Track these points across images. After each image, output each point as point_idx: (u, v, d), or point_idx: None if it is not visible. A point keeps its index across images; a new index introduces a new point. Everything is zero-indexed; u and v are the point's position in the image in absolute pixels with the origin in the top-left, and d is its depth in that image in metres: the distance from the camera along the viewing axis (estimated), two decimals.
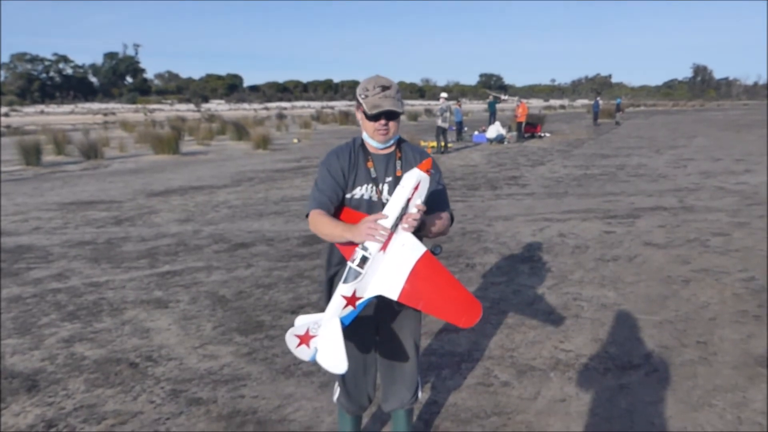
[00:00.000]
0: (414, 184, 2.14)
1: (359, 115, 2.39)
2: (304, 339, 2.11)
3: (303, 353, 2.12)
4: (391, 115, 2.32)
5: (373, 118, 2.31)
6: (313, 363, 2.15)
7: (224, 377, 3.76)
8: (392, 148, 2.46)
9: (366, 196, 2.39)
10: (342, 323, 2.11)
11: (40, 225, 8.48)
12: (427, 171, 2.18)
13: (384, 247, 2.13)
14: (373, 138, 2.38)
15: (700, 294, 5.18)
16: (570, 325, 4.54)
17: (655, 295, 5.18)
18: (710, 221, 8.06)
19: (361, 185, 2.40)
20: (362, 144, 2.46)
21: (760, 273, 5.70)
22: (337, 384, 2.72)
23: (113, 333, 4.50)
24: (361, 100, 2.33)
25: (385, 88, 2.30)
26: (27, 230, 8.13)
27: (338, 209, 2.41)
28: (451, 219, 2.49)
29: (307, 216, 2.39)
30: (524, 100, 26.87)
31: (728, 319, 4.61)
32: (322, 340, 2.10)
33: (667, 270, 5.88)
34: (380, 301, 2.31)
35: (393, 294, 2.12)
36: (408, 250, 2.14)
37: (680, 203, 9.47)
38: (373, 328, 2.56)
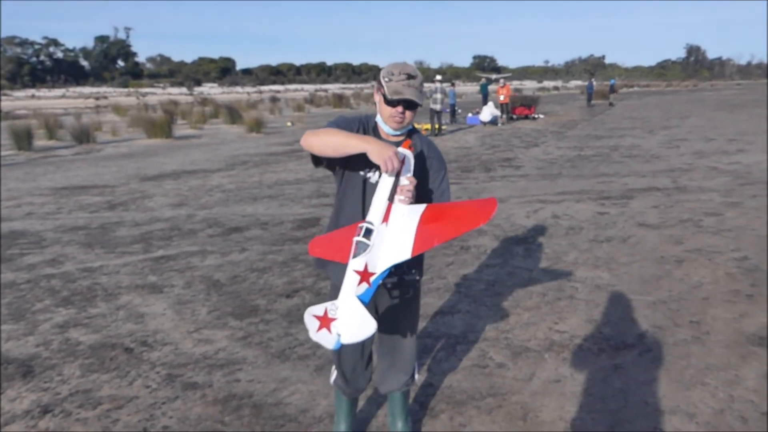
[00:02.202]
0: (400, 159, 2.16)
1: (378, 98, 2.35)
2: (324, 322, 2.05)
3: (326, 339, 2.04)
4: (410, 105, 2.29)
5: (392, 103, 2.27)
6: (339, 349, 2.09)
7: (219, 361, 3.77)
8: (403, 137, 2.43)
9: (373, 180, 2.37)
10: (361, 302, 2.05)
11: (32, 210, 8.44)
12: (408, 147, 2.22)
13: (385, 219, 2.13)
14: (387, 123, 2.35)
15: (693, 274, 5.21)
16: (564, 307, 4.56)
17: (648, 275, 5.20)
18: (703, 201, 8.08)
19: (370, 167, 2.37)
20: (375, 127, 2.44)
21: (752, 252, 5.72)
22: (334, 367, 2.73)
23: (108, 318, 4.50)
24: (383, 83, 2.28)
25: (410, 77, 2.25)
26: (20, 216, 8.08)
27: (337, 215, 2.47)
28: None
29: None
30: (508, 82, 26.72)
31: (721, 299, 4.64)
32: (343, 320, 2.04)
33: (660, 250, 5.90)
34: (380, 284, 2.31)
35: (405, 255, 2.08)
36: (409, 215, 2.13)
37: (673, 183, 9.49)
38: (372, 310, 2.57)
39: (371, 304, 2.51)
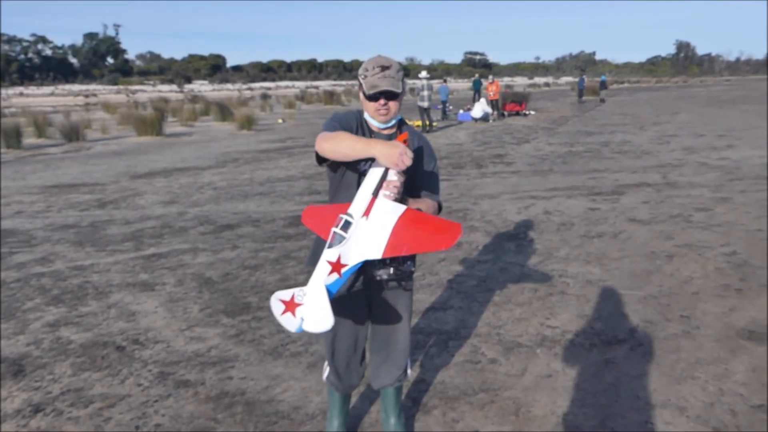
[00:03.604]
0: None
1: (361, 97, 2.38)
2: (290, 306, 2.07)
3: (289, 322, 2.07)
4: (390, 96, 2.31)
5: (372, 98, 2.30)
6: (299, 333, 2.13)
7: (212, 359, 3.76)
8: (394, 129, 2.46)
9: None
10: (329, 291, 2.08)
11: (22, 209, 8.38)
12: (404, 142, 2.22)
13: (366, 213, 2.15)
14: (374, 118, 2.38)
15: (684, 269, 5.24)
16: (556, 302, 4.57)
17: (639, 270, 5.23)
18: (693, 197, 8.13)
19: (365, 162, 2.37)
20: (366, 122, 2.45)
21: (741, 247, 5.77)
22: (326, 363, 2.73)
23: (99, 316, 4.48)
24: (361, 81, 2.33)
25: (384, 68, 2.28)
26: (9, 214, 8.03)
27: (334, 197, 2.47)
28: (440, 207, 2.52)
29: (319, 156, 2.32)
30: (497, 78, 26.70)
31: (711, 293, 4.67)
32: (309, 307, 2.06)
33: (651, 245, 5.93)
34: (373, 279, 2.32)
35: (375, 255, 2.11)
36: (389, 213, 2.15)
37: (664, 179, 9.54)
38: (365, 306, 2.57)
39: (364, 298, 2.52)
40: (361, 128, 2.43)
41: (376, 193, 2.17)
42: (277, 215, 7.62)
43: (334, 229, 2.13)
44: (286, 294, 2.09)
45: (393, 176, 2.17)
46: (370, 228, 2.14)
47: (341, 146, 2.19)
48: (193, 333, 4.16)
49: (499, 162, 11.94)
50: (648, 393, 3.27)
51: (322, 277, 2.10)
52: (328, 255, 2.11)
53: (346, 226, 2.12)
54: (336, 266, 2.10)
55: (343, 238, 2.11)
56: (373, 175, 2.18)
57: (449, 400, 3.25)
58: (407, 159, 2.06)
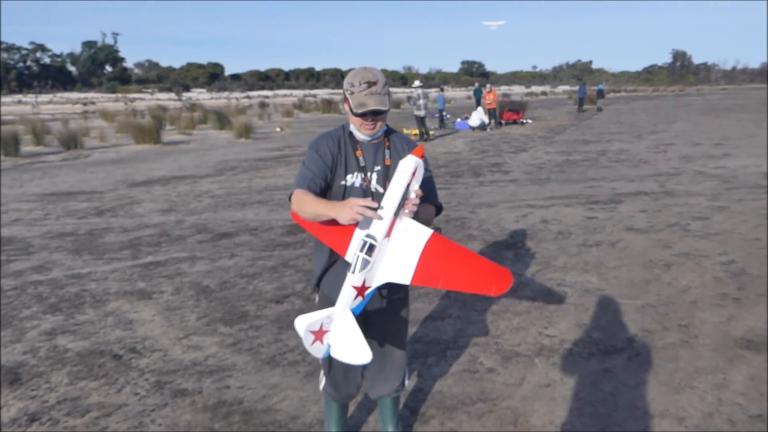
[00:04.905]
0: (412, 169, 2.16)
1: (346, 107, 2.36)
2: (319, 335, 2.06)
3: (317, 350, 2.07)
4: (377, 113, 2.29)
5: (360, 115, 2.28)
6: (326, 359, 2.10)
7: (209, 368, 3.75)
8: (380, 138, 2.45)
9: (357, 184, 2.39)
10: (353, 314, 2.07)
11: (19, 216, 8.37)
12: (421, 156, 2.22)
13: (388, 234, 2.12)
14: (360, 131, 2.37)
15: (681, 278, 5.24)
16: (554, 311, 4.57)
17: (637, 279, 5.23)
18: (690, 205, 8.14)
19: (352, 173, 2.39)
20: (351, 133, 2.44)
21: (739, 256, 5.77)
22: (322, 373, 2.72)
23: (96, 325, 4.46)
24: (347, 96, 2.30)
25: (371, 84, 2.24)
26: (6, 222, 8.01)
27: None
28: (440, 209, 2.51)
29: (290, 198, 2.33)
30: (494, 87, 26.74)
31: (709, 302, 4.67)
32: (336, 334, 2.05)
33: (648, 254, 5.93)
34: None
35: (405, 279, 2.09)
36: (413, 234, 2.13)
37: (661, 188, 9.55)
38: (361, 315, 2.56)
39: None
40: (343, 143, 2.41)
41: (397, 214, 2.14)
42: (275, 223, 7.61)
43: (358, 253, 2.09)
44: (314, 324, 2.06)
45: (411, 194, 2.16)
46: (393, 249, 2.13)
47: (309, 212, 2.19)
48: (190, 342, 4.15)
49: (497, 171, 11.95)
50: (646, 403, 3.26)
51: (348, 303, 2.08)
52: (353, 280, 2.08)
53: (371, 249, 2.08)
54: (361, 290, 2.09)
55: (368, 262, 2.08)
56: (393, 195, 2.13)
57: (447, 410, 3.24)
58: (360, 208, 2.01)
